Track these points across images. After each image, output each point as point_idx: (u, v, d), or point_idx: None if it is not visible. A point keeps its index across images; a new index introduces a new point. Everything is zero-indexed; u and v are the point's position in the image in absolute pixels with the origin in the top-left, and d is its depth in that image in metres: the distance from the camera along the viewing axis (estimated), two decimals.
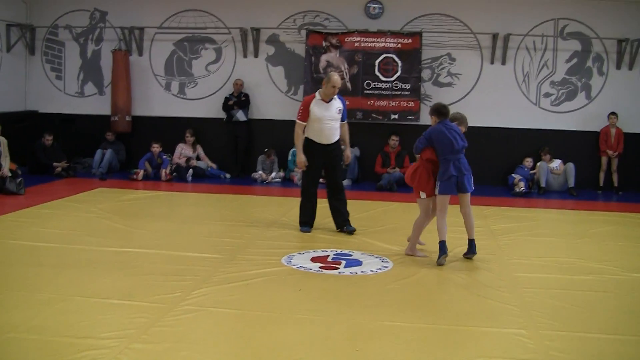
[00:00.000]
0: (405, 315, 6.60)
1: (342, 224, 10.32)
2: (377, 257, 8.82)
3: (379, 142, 16.02)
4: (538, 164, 15.76)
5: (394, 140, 15.82)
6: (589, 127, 16.16)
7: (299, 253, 8.88)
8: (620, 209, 13.71)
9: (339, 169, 10.46)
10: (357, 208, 11.89)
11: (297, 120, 10.10)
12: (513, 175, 15.56)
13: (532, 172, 15.78)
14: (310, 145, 10.13)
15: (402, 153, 15.79)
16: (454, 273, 8.22)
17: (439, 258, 8.51)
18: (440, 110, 8.80)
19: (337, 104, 10.13)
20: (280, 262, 8.36)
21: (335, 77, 10.00)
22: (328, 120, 10.04)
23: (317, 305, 6.80)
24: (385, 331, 6.11)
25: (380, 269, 8.25)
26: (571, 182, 15.60)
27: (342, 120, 10.27)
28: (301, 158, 10.09)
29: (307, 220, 10.34)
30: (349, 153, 10.63)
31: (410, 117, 15.98)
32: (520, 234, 10.62)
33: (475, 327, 6.34)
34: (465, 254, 8.89)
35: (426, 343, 5.87)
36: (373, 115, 15.98)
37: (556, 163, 15.88)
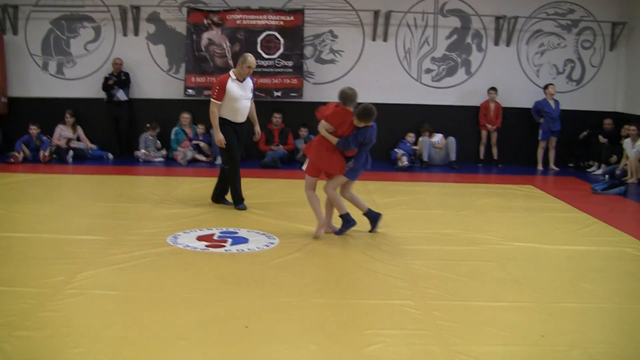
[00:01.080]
0: (294, 290, 6.63)
1: (221, 198, 10.72)
2: (263, 234, 8.83)
3: (262, 119, 15.78)
4: (420, 138, 16.02)
5: (276, 118, 15.83)
6: (469, 102, 16.53)
7: (185, 232, 8.80)
8: (500, 181, 14.06)
9: (243, 148, 10.68)
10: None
11: (213, 100, 10.14)
12: (396, 150, 15.80)
13: (414, 147, 16.04)
14: (225, 124, 10.19)
15: (286, 130, 15.82)
16: (341, 247, 8.30)
17: (346, 229, 8.82)
18: (372, 113, 8.59)
19: (249, 83, 10.36)
20: (165, 242, 8.26)
21: (251, 58, 10.15)
22: (244, 100, 10.21)
23: (204, 284, 6.76)
24: (274, 307, 6.14)
25: (266, 246, 8.26)
26: (453, 156, 15.95)
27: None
28: (220, 137, 10.12)
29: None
30: (259, 129, 10.83)
31: (293, 94, 16.00)
32: (405, 208, 10.79)
33: (364, 300, 6.42)
34: (373, 229, 9.07)
35: (315, 318, 5.91)
36: (256, 92, 15.83)
37: (438, 137, 16.17)
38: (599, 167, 15.69)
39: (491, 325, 5.85)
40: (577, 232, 9.54)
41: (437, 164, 16.06)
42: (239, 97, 10.13)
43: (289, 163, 15.49)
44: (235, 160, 10.34)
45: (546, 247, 8.66)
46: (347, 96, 8.65)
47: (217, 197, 10.69)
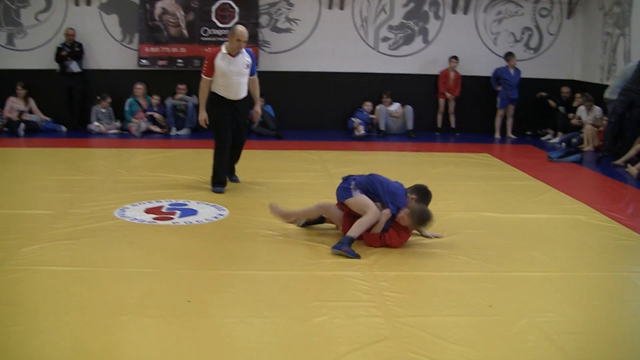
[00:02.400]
0: (240, 263, 6.57)
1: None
2: (213, 206, 8.71)
3: None
4: (377, 107, 15.94)
5: None
6: (426, 71, 16.47)
7: (133, 205, 8.65)
8: (457, 150, 14.08)
9: (244, 126, 9.93)
10: (196, 157, 11.85)
11: (203, 75, 9.50)
12: (352, 119, 15.71)
13: (371, 115, 15.96)
14: (218, 101, 9.52)
15: None
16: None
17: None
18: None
19: (244, 58, 9.53)
20: (112, 215, 8.12)
21: (240, 29, 9.33)
22: (235, 75, 9.45)
23: (149, 258, 6.63)
24: (219, 280, 6.05)
25: (216, 217, 8.16)
26: (410, 125, 15.91)
27: (252, 74, 9.71)
28: (202, 115, 9.58)
29: (222, 180, 9.69)
30: (259, 109, 10.24)
31: None
32: None
33: (309, 272, 6.34)
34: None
35: (260, 290, 5.83)
36: None
37: (395, 106, 16.10)
38: (555, 135, 15.72)
39: (438, 296, 5.80)
40: (531, 201, 9.53)
41: (394, 133, 16.01)
42: (229, 73, 9.40)
43: (250, 133, 15.32)
44: (221, 139, 9.63)
45: (500, 215, 8.63)
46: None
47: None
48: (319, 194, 9.25)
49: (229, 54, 9.43)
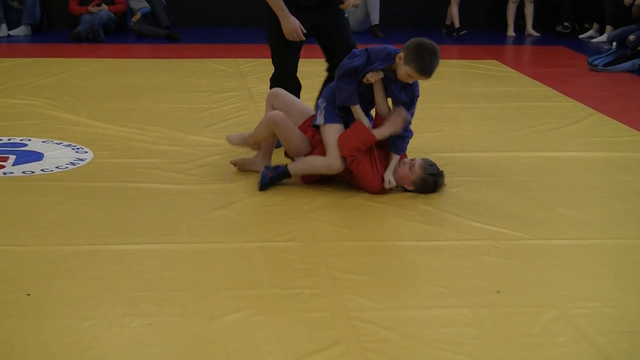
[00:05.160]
0: (111, 234, 6.52)
1: None
2: (68, 146, 8.67)
3: None
4: None
5: None
6: None
7: None
8: (448, 55, 14.13)
9: (344, 30, 8.74)
10: (39, 71, 11.78)
11: None
12: None
13: None
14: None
15: None
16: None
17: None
18: None
19: None
20: None
21: None
22: None
23: None
24: (78, 261, 6.00)
25: (72, 164, 8.12)
26: (374, 17, 15.87)
27: None
28: (294, 23, 8.10)
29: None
30: None
31: None
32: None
33: (216, 244, 6.37)
34: None
35: (142, 274, 5.83)
36: None
37: None
38: (600, 32, 15.82)
39: (418, 277, 5.89)
40: (561, 131, 9.68)
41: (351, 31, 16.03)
42: None
43: (118, 33, 15.26)
44: (282, 71, 8.52)
45: (514, 154, 8.76)
46: None
47: None
48: (240, 127, 9.24)
49: None
